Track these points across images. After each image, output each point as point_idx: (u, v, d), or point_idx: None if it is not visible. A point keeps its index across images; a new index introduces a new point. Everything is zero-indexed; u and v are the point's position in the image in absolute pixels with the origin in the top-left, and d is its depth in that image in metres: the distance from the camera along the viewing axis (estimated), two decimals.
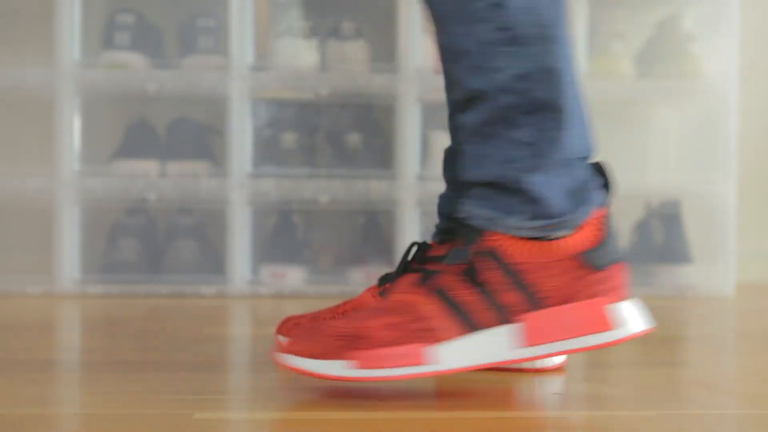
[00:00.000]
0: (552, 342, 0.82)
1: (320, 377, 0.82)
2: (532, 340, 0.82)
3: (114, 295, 1.74)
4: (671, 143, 2.10)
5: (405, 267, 0.93)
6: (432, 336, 0.81)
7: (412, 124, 1.81)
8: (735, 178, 1.89)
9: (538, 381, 0.92)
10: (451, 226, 0.92)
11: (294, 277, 1.82)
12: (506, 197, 0.84)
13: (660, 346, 1.19)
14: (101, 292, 1.75)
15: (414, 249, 0.94)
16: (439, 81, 1.87)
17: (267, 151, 1.86)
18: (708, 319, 1.52)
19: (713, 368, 1.04)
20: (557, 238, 0.83)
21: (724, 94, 1.89)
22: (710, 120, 1.93)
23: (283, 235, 1.85)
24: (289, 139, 1.86)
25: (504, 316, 0.82)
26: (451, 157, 0.99)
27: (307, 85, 1.83)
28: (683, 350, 1.18)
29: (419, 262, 0.92)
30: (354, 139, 1.87)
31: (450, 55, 0.87)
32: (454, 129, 0.91)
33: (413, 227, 1.81)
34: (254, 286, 1.80)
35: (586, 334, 0.82)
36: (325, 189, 1.81)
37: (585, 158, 0.87)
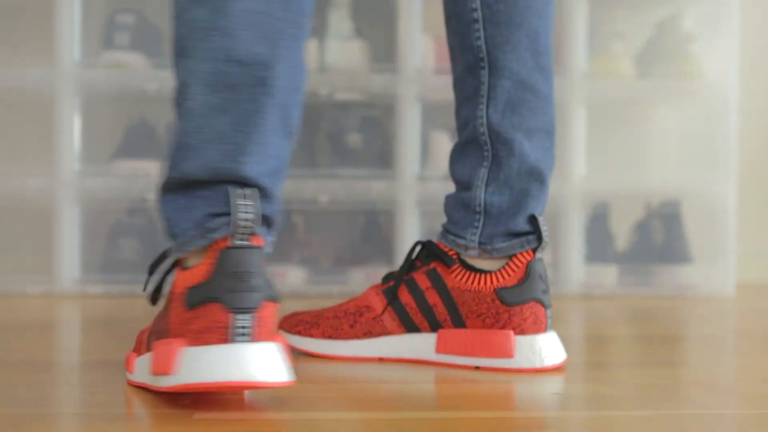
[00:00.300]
0: (157, 375, 0.78)
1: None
2: (152, 369, 0.79)
3: (114, 295, 1.74)
4: (671, 143, 2.10)
5: (410, 266, 1.02)
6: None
7: (412, 124, 1.81)
8: (735, 178, 1.89)
9: (538, 381, 0.92)
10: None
11: (294, 277, 1.82)
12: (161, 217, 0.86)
13: (660, 346, 1.19)
14: (101, 292, 1.75)
15: (418, 248, 0.98)
16: (439, 81, 1.88)
17: None
18: (708, 319, 1.52)
19: (713, 368, 1.04)
20: (188, 267, 0.80)
21: (724, 94, 1.89)
22: (710, 120, 1.93)
23: (283, 235, 1.85)
24: None
25: (153, 342, 0.83)
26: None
27: (307, 85, 1.83)
28: (683, 350, 1.18)
29: (424, 261, 1.02)
30: (354, 139, 1.87)
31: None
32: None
33: (413, 227, 1.81)
34: None
35: (159, 374, 0.78)
36: (325, 189, 1.81)
37: (214, 181, 0.79)
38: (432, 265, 1.02)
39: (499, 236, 1.00)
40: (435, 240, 1.08)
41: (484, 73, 1.00)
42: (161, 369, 0.76)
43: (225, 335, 0.74)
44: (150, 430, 0.70)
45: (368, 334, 1.03)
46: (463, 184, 1.03)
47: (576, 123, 1.86)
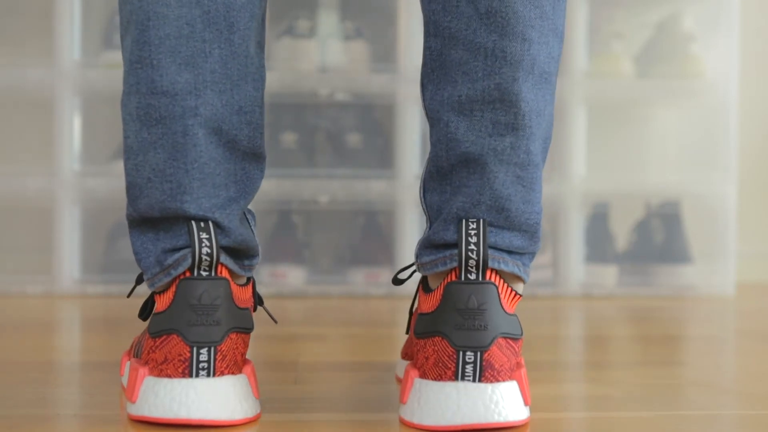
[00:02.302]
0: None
1: None
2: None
3: (114, 295, 1.74)
4: (671, 143, 2.10)
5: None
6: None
7: (412, 124, 1.81)
8: (735, 178, 1.89)
9: (538, 381, 0.92)
10: None
11: (294, 277, 1.82)
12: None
13: (660, 346, 1.19)
14: (101, 292, 1.75)
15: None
16: None
17: (267, 151, 1.86)
18: (708, 319, 1.52)
19: (713, 368, 1.04)
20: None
21: (724, 94, 1.89)
22: (710, 120, 1.93)
23: (283, 235, 1.85)
24: (289, 139, 1.86)
25: (135, 354, 0.81)
26: None
27: (307, 85, 1.83)
28: (683, 350, 1.18)
29: None
30: (354, 139, 1.87)
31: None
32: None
33: (413, 227, 1.81)
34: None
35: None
36: (325, 189, 1.81)
37: (168, 219, 0.76)
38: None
39: (428, 247, 0.78)
40: None
41: (425, 35, 0.80)
42: (127, 394, 0.74)
43: (184, 369, 0.72)
44: (150, 430, 0.70)
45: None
46: None
47: (576, 123, 1.86)
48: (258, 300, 0.80)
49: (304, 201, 1.82)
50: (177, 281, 0.73)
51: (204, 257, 0.73)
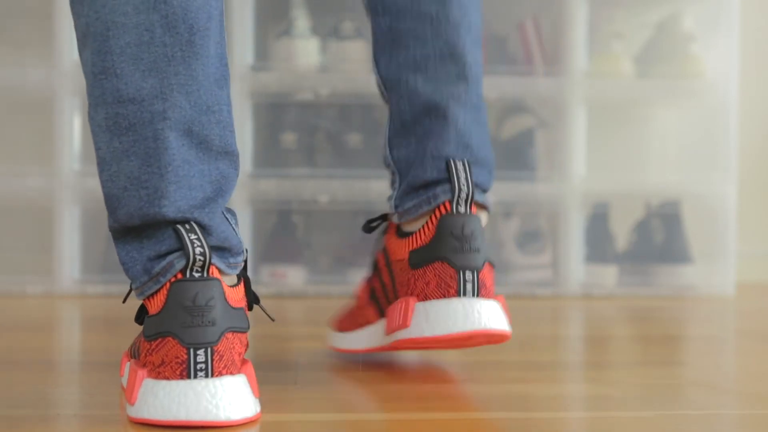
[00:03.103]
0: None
1: None
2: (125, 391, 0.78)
3: (114, 295, 1.74)
4: (671, 143, 2.10)
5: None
6: None
7: None
8: (735, 178, 1.89)
9: (538, 381, 0.92)
10: None
11: (294, 277, 1.82)
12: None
13: (660, 346, 1.19)
14: (101, 292, 1.75)
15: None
16: None
17: (267, 151, 1.86)
18: (708, 319, 1.52)
19: (713, 368, 1.04)
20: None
21: (724, 94, 1.89)
22: (710, 120, 1.93)
23: (283, 235, 1.85)
24: (289, 139, 1.86)
25: (132, 356, 0.83)
26: None
27: (307, 85, 1.83)
28: (683, 350, 1.18)
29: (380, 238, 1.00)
30: (354, 139, 1.87)
31: None
32: None
33: None
34: (254, 286, 1.80)
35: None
36: (325, 189, 1.81)
37: (148, 226, 0.76)
38: (383, 241, 0.96)
39: (409, 193, 0.91)
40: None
41: (370, 17, 0.96)
42: (126, 396, 0.74)
43: (183, 371, 0.72)
44: (150, 430, 0.70)
45: (358, 325, 0.99)
46: None
47: (576, 123, 1.86)
48: (253, 299, 0.80)
49: (304, 201, 1.82)
50: (168, 284, 0.73)
51: (198, 257, 0.73)
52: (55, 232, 1.77)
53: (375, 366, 1.00)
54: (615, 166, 2.07)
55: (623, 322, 1.47)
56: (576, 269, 1.85)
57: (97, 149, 0.76)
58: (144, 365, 0.74)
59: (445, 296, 0.86)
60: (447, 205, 0.88)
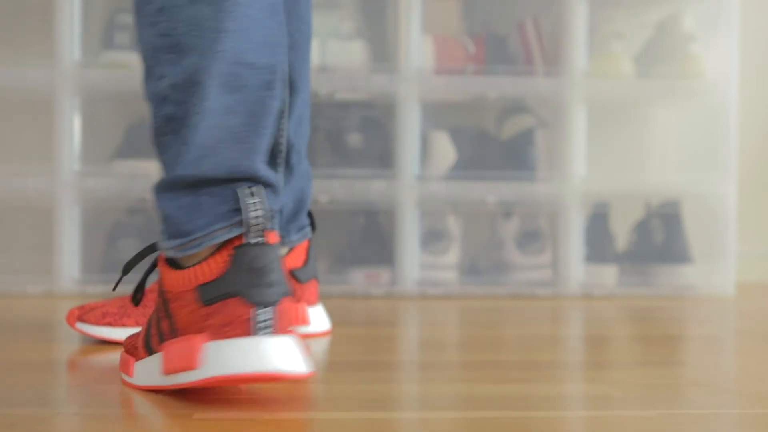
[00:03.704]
0: (175, 373, 0.79)
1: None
2: (167, 368, 0.80)
3: (114, 296, 1.74)
4: (671, 143, 2.10)
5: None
6: (136, 353, 0.87)
7: (412, 124, 1.81)
8: (735, 178, 1.89)
9: (538, 381, 0.92)
10: None
11: None
12: (159, 216, 0.83)
13: (660, 346, 1.19)
14: (101, 292, 1.75)
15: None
16: (439, 81, 1.87)
17: None
18: (708, 319, 1.52)
19: (713, 368, 1.04)
20: (191, 266, 0.79)
21: (724, 94, 1.89)
22: (710, 120, 1.93)
23: None
24: None
25: (156, 344, 0.83)
26: None
27: None
28: (683, 350, 1.18)
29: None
30: (354, 139, 1.87)
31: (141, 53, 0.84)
32: None
33: (413, 227, 1.81)
34: None
35: (179, 371, 0.78)
36: (325, 189, 1.81)
37: (229, 180, 0.80)
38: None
39: (291, 231, 1.09)
40: None
41: None
42: (183, 365, 0.77)
43: (248, 328, 0.76)
44: (150, 430, 0.70)
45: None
46: None
47: (576, 123, 1.86)
48: None
49: None
50: (231, 247, 0.77)
51: (256, 221, 0.78)
52: (55, 232, 1.77)
53: (375, 365, 1.00)
54: (615, 166, 2.08)
55: (623, 322, 1.47)
56: (576, 269, 1.85)
57: (200, 99, 0.79)
58: (199, 331, 0.77)
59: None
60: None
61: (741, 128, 1.99)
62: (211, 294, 0.77)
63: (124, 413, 0.76)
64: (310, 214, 1.24)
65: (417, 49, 1.82)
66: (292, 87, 1.17)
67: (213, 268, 0.77)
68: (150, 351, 0.84)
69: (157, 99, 0.81)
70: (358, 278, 1.83)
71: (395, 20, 1.85)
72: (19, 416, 0.75)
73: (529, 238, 1.90)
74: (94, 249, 1.85)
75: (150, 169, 1.81)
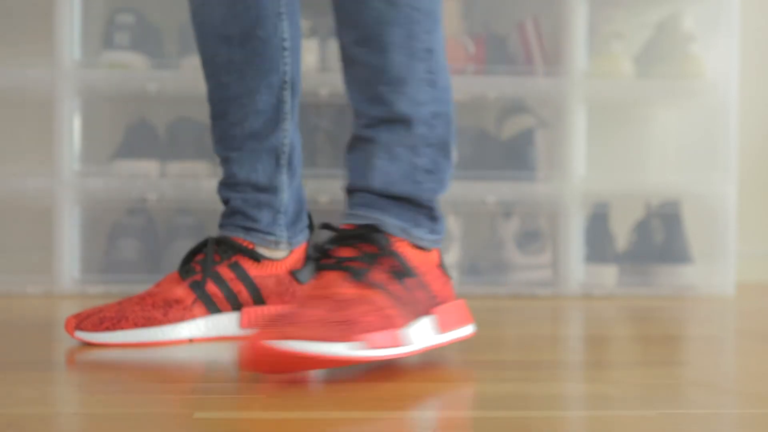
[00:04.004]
0: (454, 329, 1.02)
1: (328, 359, 0.85)
2: (444, 328, 1.00)
3: (114, 295, 1.74)
4: (671, 143, 2.10)
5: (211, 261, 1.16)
6: (393, 323, 0.92)
7: None
8: (735, 178, 1.89)
9: (538, 381, 0.92)
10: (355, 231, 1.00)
11: None
12: (414, 212, 1.01)
13: (660, 346, 1.19)
14: (101, 292, 1.75)
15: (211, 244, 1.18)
16: None
17: None
18: (708, 319, 1.52)
19: (713, 368, 1.04)
20: (432, 249, 1.02)
21: (724, 94, 1.89)
22: (710, 120, 1.93)
23: None
24: None
25: (421, 309, 0.97)
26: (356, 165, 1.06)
27: (307, 85, 1.83)
28: (683, 350, 1.18)
29: (223, 256, 1.17)
30: None
31: (385, 78, 0.99)
32: (363, 140, 1.04)
33: None
34: None
35: (457, 328, 1.02)
36: (325, 189, 1.81)
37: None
38: (233, 259, 1.16)
39: (296, 232, 1.22)
40: (230, 235, 1.19)
41: None
42: (461, 322, 1.03)
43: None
44: (150, 430, 0.70)
45: (180, 319, 1.13)
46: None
47: (576, 123, 1.86)
48: None
49: None
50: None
51: None
52: (55, 232, 1.77)
53: (375, 365, 1.00)
54: (615, 166, 2.07)
55: (623, 322, 1.47)
56: (576, 269, 1.85)
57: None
58: (453, 296, 1.03)
59: None
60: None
61: (741, 128, 1.99)
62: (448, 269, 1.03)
63: (124, 413, 0.76)
64: (308, 216, 1.27)
65: None
66: (294, 89, 1.19)
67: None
68: (417, 316, 0.96)
69: (414, 120, 1.02)
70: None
71: None
72: (19, 416, 0.75)
73: (529, 238, 1.90)
74: (94, 249, 1.85)
75: (150, 169, 1.81)
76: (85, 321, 1.12)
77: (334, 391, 0.87)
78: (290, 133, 1.20)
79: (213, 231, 1.87)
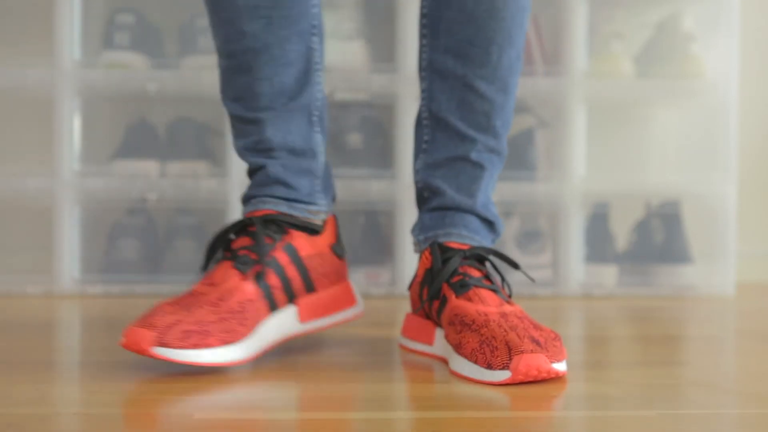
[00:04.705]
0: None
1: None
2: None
3: (114, 295, 1.74)
4: (671, 143, 2.10)
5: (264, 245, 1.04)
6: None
7: (412, 124, 1.81)
8: (735, 178, 1.89)
9: (538, 382, 0.92)
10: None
11: None
12: (493, 237, 1.14)
13: (660, 346, 1.19)
14: (101, 292, 1.75)
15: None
16: None
17: None
18: (708, 319, 1.52)
19: (713, 368, 1.04)
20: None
21: (724, 94, 1.89)
22: (710, 120, 1.93)
23: None
24: None
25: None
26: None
27: None
28: (683, 350, 1.18)
29: (275, 237, 1.04)
30: (354, 139, 1.87)
31: (503, 115, 1.08)
32: (471, 163, 1.09)
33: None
34: None
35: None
36: None
37: None
38: (285, 239, 1.02)
39: (330, 199, 1.10)
40: (273, 210, 1.03)
41: None
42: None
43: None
44: (150, 430, 0.70)
45: (254, 326, 0.96)
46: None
47: (576, 123, 1.86)
48: None
49: None
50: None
51: None
52: (55, 232, 1.77)
53: (375, 365, 1.00)
54: (615, 166, 2.08)
55: (623, 322, 1.47)
56: (576, 269, 1.85)
57: None
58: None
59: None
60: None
61: (741, 128, 1.99)
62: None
63: (124, 413, 0.76)
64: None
65: (417, 49, 1.82)
66: (321, 33, 1.09)
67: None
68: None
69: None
70: (358, 278, 1.83)
71: (395, 20, 1.85)
72: (19, 416, 0.75)
73: (529, 238, 1.90)
74: (94, 249, 1.85)
75: (150, 169, 1.81)
76: (167, 333, 0.89)
77: (332, 393, 0.87)
78: (321, 86, 1.07)
79: (213, 231, 1.88)
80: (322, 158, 1.08)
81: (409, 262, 1.80)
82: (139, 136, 1.85)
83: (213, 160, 1.87)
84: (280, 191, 1.04)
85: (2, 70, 1.78)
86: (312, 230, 1.04)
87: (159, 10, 1.93)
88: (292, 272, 1.01)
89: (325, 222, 1.08)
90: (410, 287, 1.09)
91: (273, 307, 0.99)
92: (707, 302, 1.77)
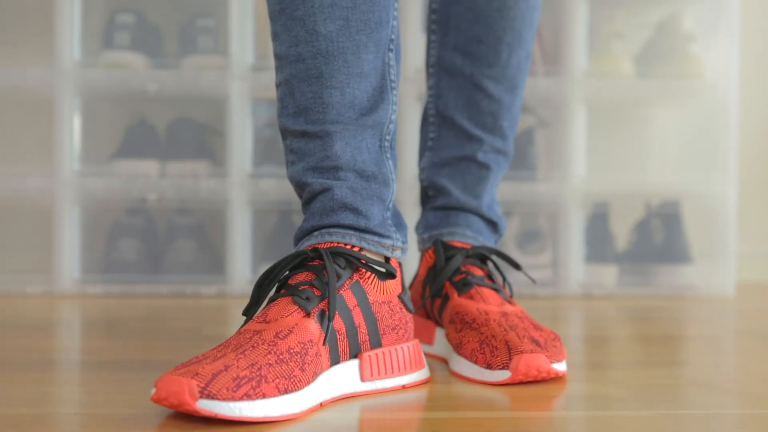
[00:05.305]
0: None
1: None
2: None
3: (114, 295, 1.74)
4: (671, 143, 2.10)
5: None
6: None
7: (411, 124, 1.81)
8: (735, 178, 1.89)
9: (538, 382, 0.92)
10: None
11: None
12: (496, 238, 1.14)
13: (660, 346, 1.19)
14: (101, 292, 1.75)
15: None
16: None
17: (267, 151, 1.86)
18: (708, 319, 1.52)
19: (713, 368, 1.04)
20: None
21: (724, 94, 1.89)
22: (710, 120, 1.93)
23: (283, 235, 1.85)
24: None
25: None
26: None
27: None
28: (683, 350, 1.18)
29: (342, 273, 0.86)
30: None
31: (510, 116, 1.10)
32: (477, 163, 1.09)
33: (412, 227, 1.80)
34: (253, 286, 1.80)
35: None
36: None
37: None
38: (354, 277, 0.85)
39: (404, 234, 0.92)
40: (341, 242, 0.87)
41: None
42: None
43: None
44: (150, 430, 0.70)
45: (315, 374, 0.78)
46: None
47: (576, 123, 1.86)
48: None
49: None
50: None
51: None
52: (55, 232, 1.77)
53: None
54: (615, 166, 2.08)
55: (623, 322, 1.47)
56: (576, 269, 1.85)
57: None
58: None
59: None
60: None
61: (741, 128, 1.99)
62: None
63: (123, 413, 0.76)
64: None
65: (417, 49, 1.82)
66: (398, 51, 1.03)
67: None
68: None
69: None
70: None
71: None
72: (19, 416, 0.75)
73: (529, 238, 1.90)
74: (94, 249, 1.85)
75: (150, 169, 1.81)
76: (213, 383, 0.71)
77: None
78: (396, 108, 0.92)
79: (213, 231, 1.88)
80: (393, 188, 0.91)
81: (409, 262, 1.80)
82: (139, 136, 1.85)
83: (213, 160, 1.87)
84: (349, 218, 0.87)
85: (2, 70, 1.78)
86: (381, 273, 0.86)
87: (159, 10, 1.93)
88: (359, 319, 0.84)
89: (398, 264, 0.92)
90: (411, 286, 1.09)
91: (335, 357, 0.81)
92: (707, 302, 1.77)
